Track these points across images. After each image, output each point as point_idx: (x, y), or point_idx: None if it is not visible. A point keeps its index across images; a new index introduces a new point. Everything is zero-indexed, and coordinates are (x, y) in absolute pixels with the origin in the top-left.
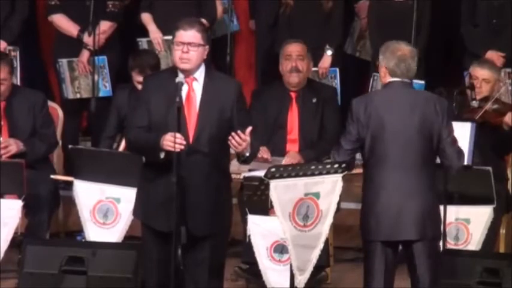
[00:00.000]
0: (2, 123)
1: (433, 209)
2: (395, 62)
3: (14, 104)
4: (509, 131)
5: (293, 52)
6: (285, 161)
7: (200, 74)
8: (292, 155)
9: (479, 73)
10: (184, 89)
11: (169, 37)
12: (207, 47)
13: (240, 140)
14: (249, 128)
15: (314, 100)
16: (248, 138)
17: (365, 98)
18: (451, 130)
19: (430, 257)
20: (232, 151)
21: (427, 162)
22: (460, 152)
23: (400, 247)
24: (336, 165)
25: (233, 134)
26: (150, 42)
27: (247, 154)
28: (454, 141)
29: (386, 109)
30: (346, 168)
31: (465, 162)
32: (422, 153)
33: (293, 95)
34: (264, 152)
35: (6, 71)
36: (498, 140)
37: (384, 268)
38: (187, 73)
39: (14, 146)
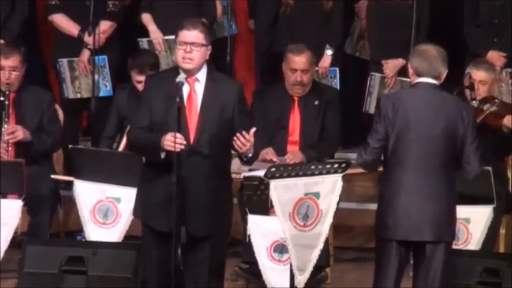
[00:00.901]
0: (10, 112)
1: (450, 211)
2: (419, 60)
3: (23, 98)
4: (509, 133)
5: (298, 66)
6: (288, 158)
7: (202, 75)
8: (294, 154)
9: (476, 75)
10: (186, 90)
11: (170, 37)
12: (209, 47)
13: (244, 141)
14: (253, 129)
15: (316, 102)
16: (252, 139)
17: (392, 95)
18: (475, 137)
19: (443, 259)
20: (232, 151)
21: (448, 165)
22: (480, 161)
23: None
24: (336, 165)
25: (238, 134)
26: (150, 42)
27: (250, 155)
28: (477, 148)
29: (412, 109)
30: (348, 167)
31: None
32: (444, 155)
33: (295, 97)
34: (270, 154)
35: (19, 60)
36: (498, 142)
37: (397, 267)
38: (190, 73)
39: (21, 132)
